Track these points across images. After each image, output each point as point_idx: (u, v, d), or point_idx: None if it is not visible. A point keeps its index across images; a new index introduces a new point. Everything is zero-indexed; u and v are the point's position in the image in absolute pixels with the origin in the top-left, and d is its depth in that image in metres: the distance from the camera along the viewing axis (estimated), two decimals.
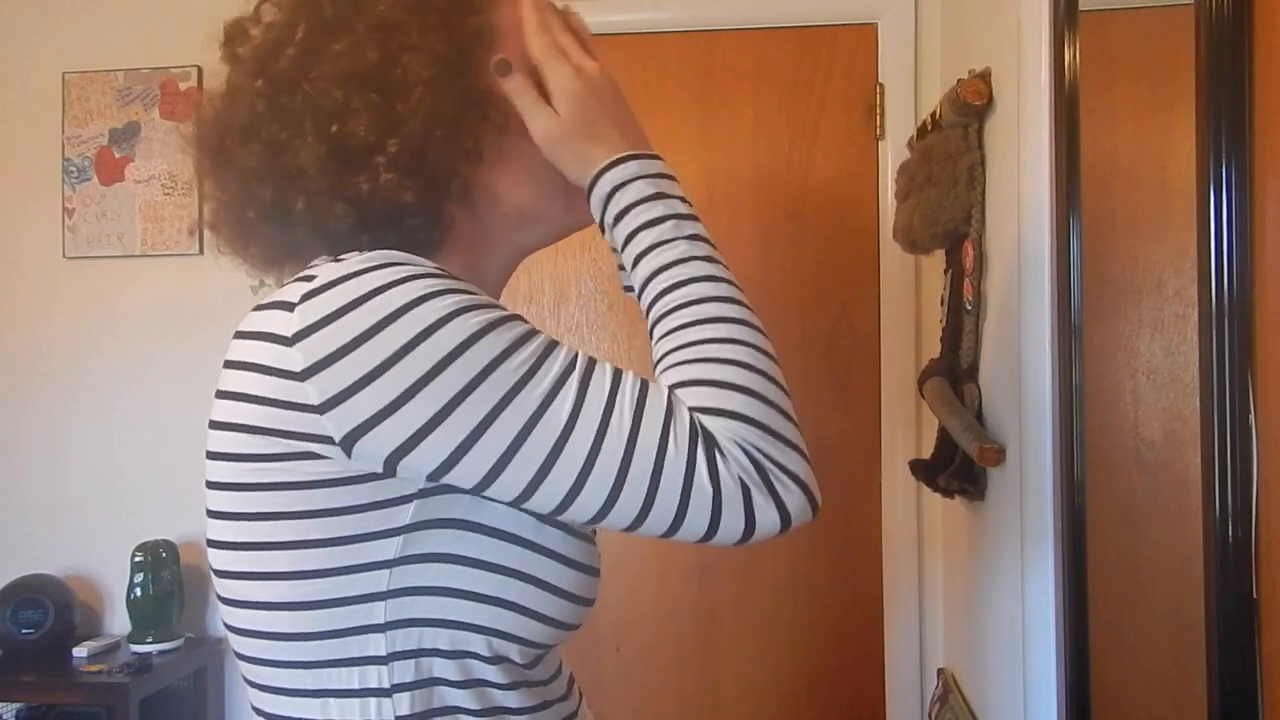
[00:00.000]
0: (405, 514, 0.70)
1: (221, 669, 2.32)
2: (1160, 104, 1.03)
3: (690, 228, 0.77)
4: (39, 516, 2.38)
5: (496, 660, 0.74)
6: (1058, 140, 1.21)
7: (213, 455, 0.74)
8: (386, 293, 0.67)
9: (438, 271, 0.70)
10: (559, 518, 0.70)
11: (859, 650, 2.19)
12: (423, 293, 0.67)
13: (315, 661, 0.73)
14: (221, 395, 0.73)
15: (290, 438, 0.69)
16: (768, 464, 0.68)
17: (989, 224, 1.51)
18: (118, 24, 2.38)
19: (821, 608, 2.19)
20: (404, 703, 0.73)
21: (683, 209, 0.78)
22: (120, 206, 2.37)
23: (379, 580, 0.71)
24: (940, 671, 2.00)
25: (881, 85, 2.18)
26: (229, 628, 0.77)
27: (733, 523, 0.67)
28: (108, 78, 2.37)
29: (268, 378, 0.69)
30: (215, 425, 0.74)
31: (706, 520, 0.67)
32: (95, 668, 2.10)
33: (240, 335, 0.73)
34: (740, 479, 0.67)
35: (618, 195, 0.78)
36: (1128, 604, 1.14)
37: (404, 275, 0.68)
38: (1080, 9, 1.16)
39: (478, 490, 0.68)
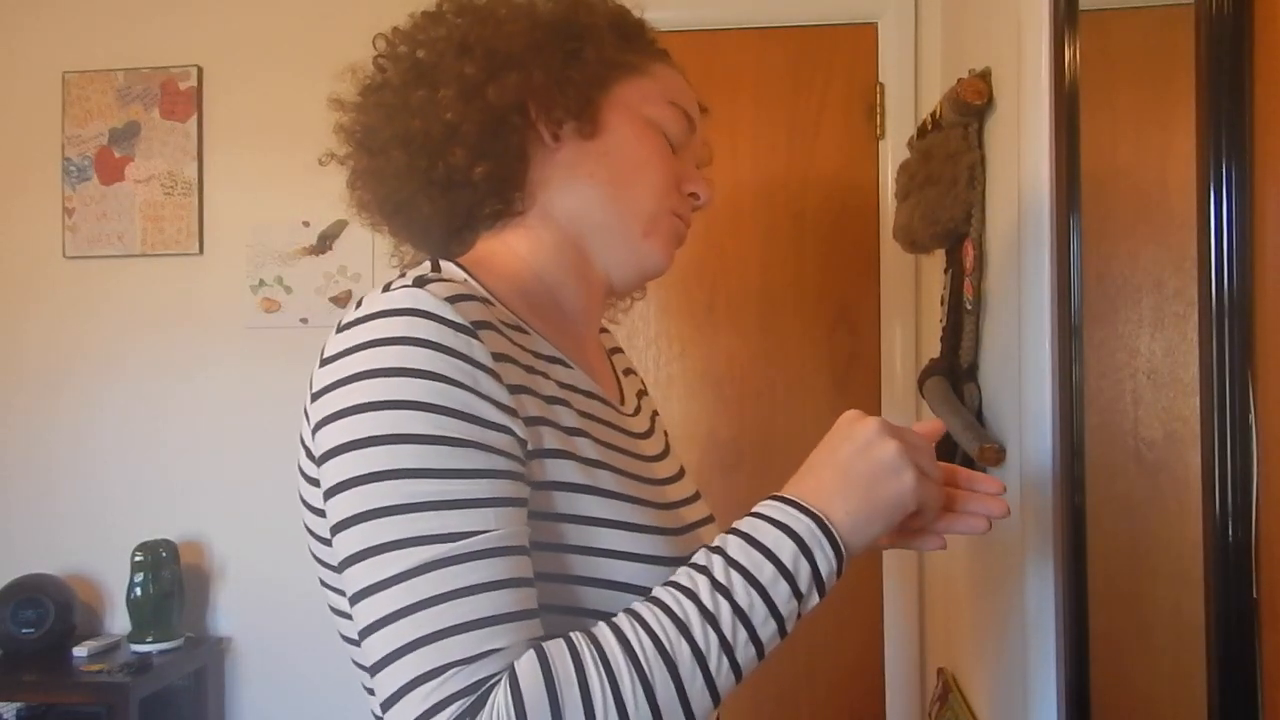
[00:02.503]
0: None
1: (221, 669, 2.32)
2: (1160, 104, 1.03)
3: (753, 611, 0.71)
4: (40, 516, 2.38)
5: None
6: (1058, 140, 1.21)
7: None
8: (385, 348, 0.68)
9: (457, 338, 0.69)
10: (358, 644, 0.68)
11: (859, 650, 2.19)
12: (412, 365, 0.68)
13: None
14: None
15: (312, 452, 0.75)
16: None
17: (989, 223, 1.51)
18: (118, 24, 2.38)
19: (821, 607, 2.17)
20: None
21: (780, 599, 0.73)
22: (120, 206, 2.37)
23: None
24: (940, 671, 2.00)
25: (881, 85, 2.18)
26: None
27: None
28: (108, 77, 2.37)
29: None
30: None
31: None
32: (95, 667, 2.10)
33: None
34: None
35: (760, 524, 0.74)
36: (1128, 604, 1.14)
37: (410, 336, 0.68)
38: (1080, 9, 1.16)
39: (339, 568, 0.68)
